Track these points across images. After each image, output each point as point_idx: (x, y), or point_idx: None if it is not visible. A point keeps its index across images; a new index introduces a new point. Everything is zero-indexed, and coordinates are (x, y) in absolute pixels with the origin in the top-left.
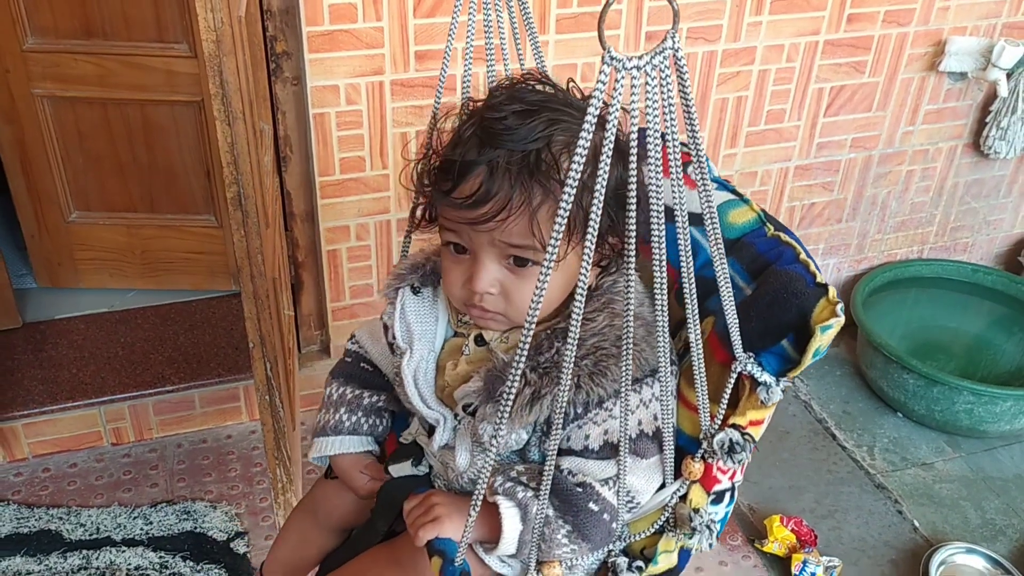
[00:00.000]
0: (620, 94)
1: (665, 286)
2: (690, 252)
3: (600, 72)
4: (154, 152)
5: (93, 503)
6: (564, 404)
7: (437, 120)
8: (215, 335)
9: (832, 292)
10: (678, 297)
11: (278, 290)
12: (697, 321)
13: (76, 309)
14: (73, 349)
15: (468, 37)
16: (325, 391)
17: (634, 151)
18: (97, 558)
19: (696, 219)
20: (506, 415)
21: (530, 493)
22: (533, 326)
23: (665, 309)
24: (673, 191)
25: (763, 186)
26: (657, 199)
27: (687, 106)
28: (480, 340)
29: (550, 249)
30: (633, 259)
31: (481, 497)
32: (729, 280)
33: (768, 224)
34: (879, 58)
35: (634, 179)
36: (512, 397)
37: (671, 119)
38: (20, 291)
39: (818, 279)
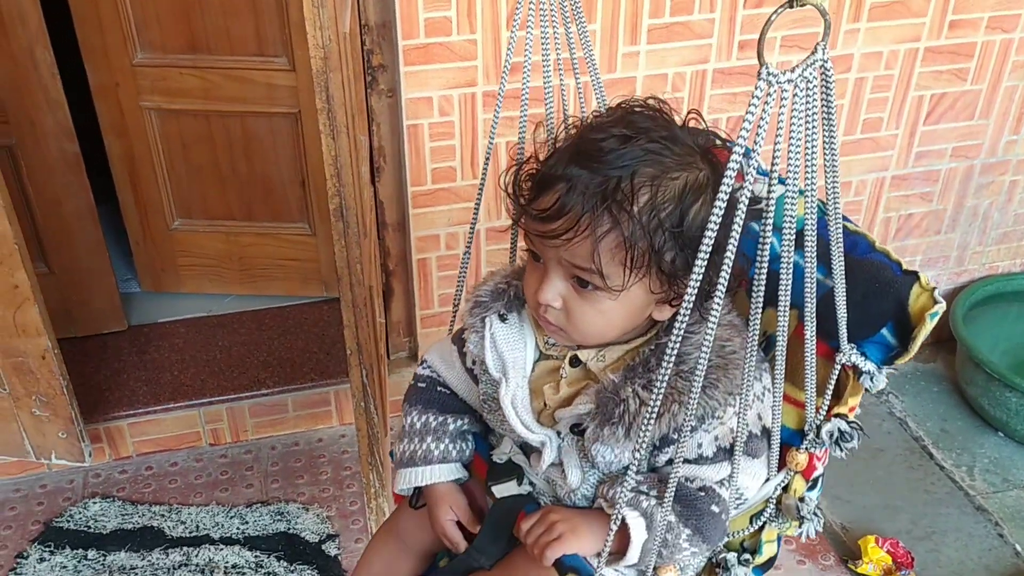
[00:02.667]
0: (768, 114)
1: (759, 314)
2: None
3: (756, 88)
4: (252, 162)
5: (193, 501)
6: (691, 419)
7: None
8: (307, 340)
9: (924, 278)
10: (748, 293)
11: (373, 298)
12: (814, 320)
13: (177, 313)
14: (174, 352)
15: (527, 51)
16: (405, 420)
17: (727, 186)
18: (197, 555)
19: (756, 214)
20: (645, 436)
21: (653, 502)
22: (671, 357)
23: (757, 323)
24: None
25: (858, 196)
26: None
27: (829, 116)
28: (575, 361)
29: (685, 302)
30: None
31: (620, 516)
32: (843, 272)
33: (828, 214)
34: (982, 65)
35: (715, 227)
36: (650, 419)
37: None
38: (126, 295)
39: (904, 266)
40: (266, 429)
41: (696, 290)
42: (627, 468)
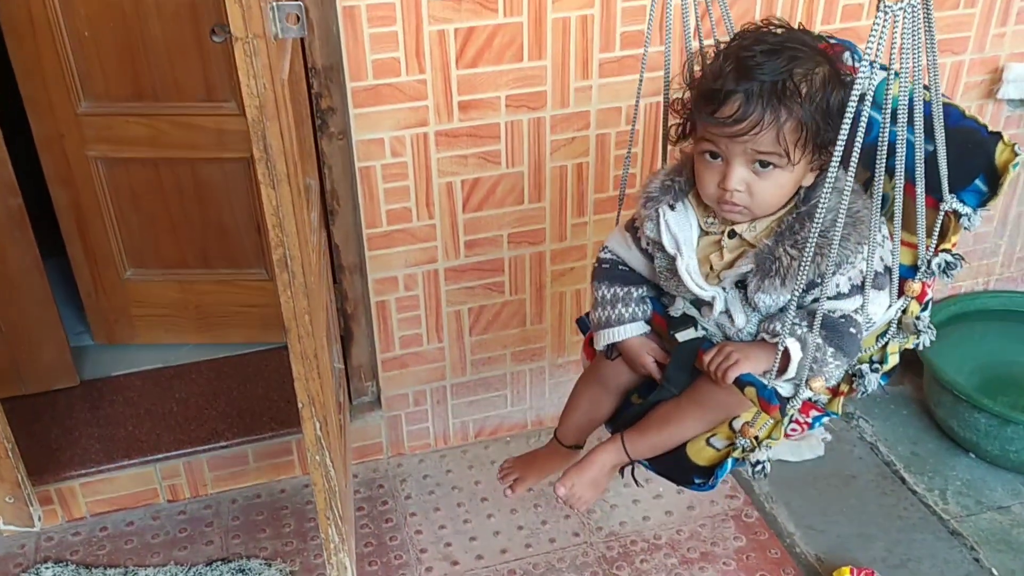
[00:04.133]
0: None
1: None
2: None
3: (876, 17)
4: (206, 208)
5: (150, 562)
6: (832, 265)
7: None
8: (267, 388)
9: (1006, 136)
10: (865, 164)
11: (328, 346)
12: (923, 179)
13: (132, 365)
14: (129, 406)
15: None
16: (595, 294)
17: (859, 87)
18: None
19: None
20: (803, 276)
21: (805, 329)
22: (820, 220)
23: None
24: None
25: None
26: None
27: (930, 26)
28: (732, 234)
29: (834, 161)
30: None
31: (784, 340)
32: (943, 137)
33: (925, 91)
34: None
35: (853, 102)
36: (806, 263)
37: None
38: (78, 348)
39: (989, 128)
40: (226, 482)
41: (839, 158)
42: (783, 308)
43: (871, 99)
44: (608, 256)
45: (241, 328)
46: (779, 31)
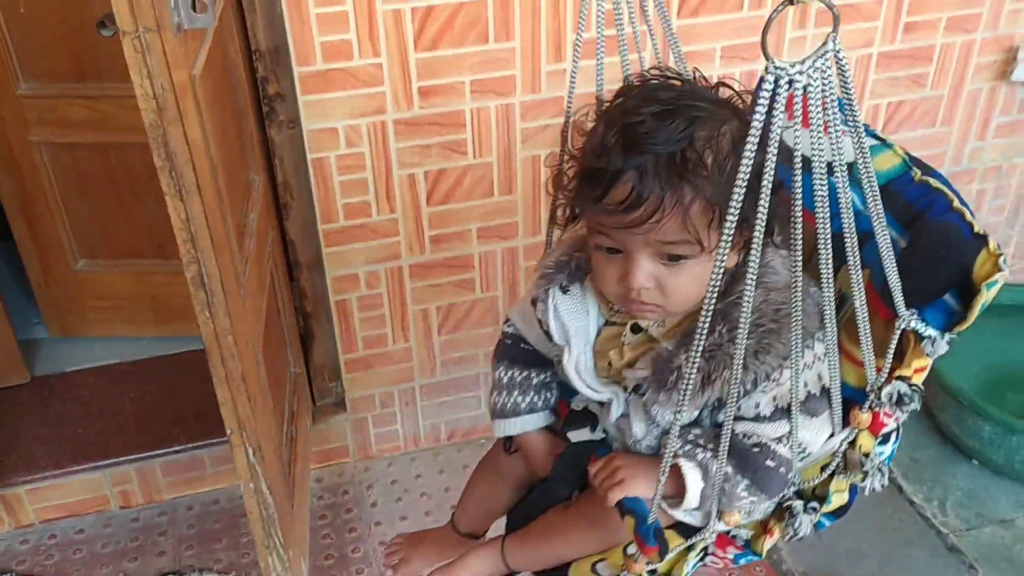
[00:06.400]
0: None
1: (800, 250)
2: (849, 206)
3: (763, 80)
4: (159, 196)
5: (97, 574)
6: (737, 384)
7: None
8: None
9: (993, 243)
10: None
11: (290, 347)
12: (860, 279)
13: (88, 360)
14: (80, 405)
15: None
16: (494, 374)
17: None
18: None
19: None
20: (684, 404)
21: (708, 454)
22: (708, 320)
23: (799, 269)
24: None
25: None
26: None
27: (850, 104)
28: (636, 328)
29: (723, 246)
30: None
31: (668, 466)
32: (888, 236)
33: (915, 168)
34: (942, 69)
35: (771, 164)
36: (689, 388)
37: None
38: (33, 340)
39: (975, 229)
40: (181, 488)
41: (760, 241)
42: (688, 424)
43: (800, 155)
44: (510, 331)
45: None
46: (671, 83)
